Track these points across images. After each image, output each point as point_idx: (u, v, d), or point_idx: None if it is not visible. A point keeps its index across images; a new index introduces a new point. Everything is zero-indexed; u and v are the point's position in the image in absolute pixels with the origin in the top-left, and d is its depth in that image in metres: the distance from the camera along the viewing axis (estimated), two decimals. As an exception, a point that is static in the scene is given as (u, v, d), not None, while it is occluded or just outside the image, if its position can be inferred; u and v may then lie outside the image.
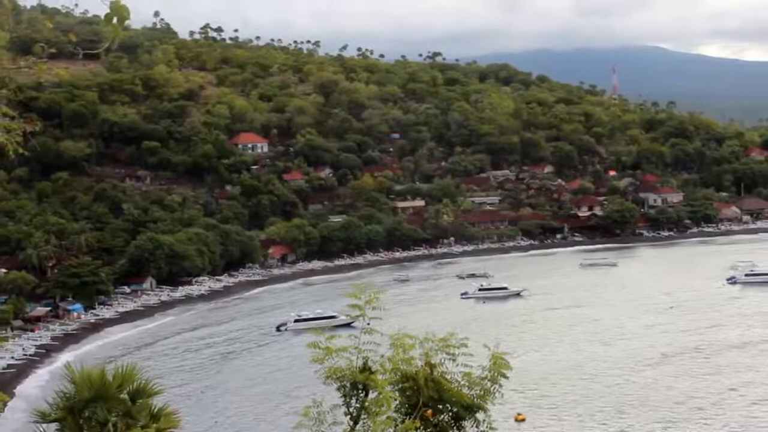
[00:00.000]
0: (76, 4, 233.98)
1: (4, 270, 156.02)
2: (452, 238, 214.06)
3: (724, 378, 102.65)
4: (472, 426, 12.33)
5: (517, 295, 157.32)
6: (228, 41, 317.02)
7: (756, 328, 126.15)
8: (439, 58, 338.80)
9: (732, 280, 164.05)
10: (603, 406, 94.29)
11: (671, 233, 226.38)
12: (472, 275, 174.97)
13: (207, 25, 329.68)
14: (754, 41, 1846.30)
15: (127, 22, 6.49)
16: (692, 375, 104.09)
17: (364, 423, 11.99)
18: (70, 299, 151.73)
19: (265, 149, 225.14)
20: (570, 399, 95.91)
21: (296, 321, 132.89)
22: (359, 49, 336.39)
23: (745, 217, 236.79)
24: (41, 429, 15.74)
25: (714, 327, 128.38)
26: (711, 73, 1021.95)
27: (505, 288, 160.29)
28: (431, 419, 12.12)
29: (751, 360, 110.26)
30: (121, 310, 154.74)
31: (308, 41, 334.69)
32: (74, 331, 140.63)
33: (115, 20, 5.78)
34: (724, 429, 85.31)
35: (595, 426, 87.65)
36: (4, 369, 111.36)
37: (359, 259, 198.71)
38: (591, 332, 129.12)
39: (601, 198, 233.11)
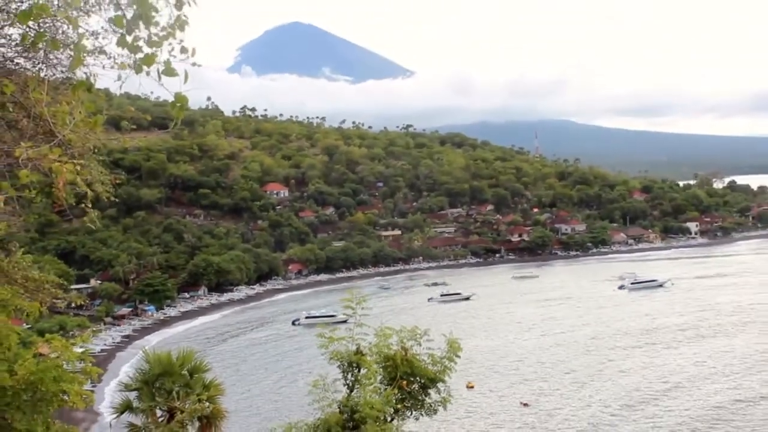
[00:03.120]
0: (152, 92, 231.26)
1: (99, 281, 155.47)
2: (421, 258, 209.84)
3: (607, 355, 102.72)
4: (435, 393, 13.51)
5: (468, 298, 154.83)
6: (259, 117, 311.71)
7: (636, 321, 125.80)
8: (411, 129, 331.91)
9: (621, 287, 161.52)
10: (527, 374, 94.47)
11: (578, 253, 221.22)
12: (435, 284, 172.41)
13: (244, 107, 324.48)
14: (637, 116, 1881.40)
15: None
16: (586, 353, 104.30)
17: (357, 391, 13.02)
18: (146, 302, 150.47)
19: (286, 194, 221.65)
20: (505, 370, 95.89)
21: (307, 318, 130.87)
22: (353, 123, 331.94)
23: (630, 241, 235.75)
24: (125, 395, 17.52)
25: (605, 320, 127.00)
26: (605, 139, 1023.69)
27: (459, 293, 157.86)
28: (406, 388, 13.24)
29: (627, 343, 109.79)
30: (182, 310, 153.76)
31: (317, 117, 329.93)
32: (149, 325, 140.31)
33: (178, 105, 5.56)
34: (599, 389, 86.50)
35: (523, 387, 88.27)
36: (99, 352, 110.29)
37: (354, 273, 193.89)
38: (519, 324, 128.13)
39: (528, 227, 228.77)
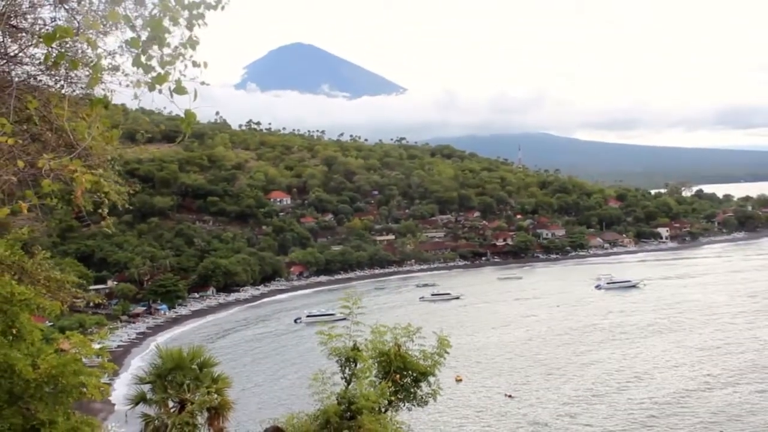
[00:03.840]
0: (164, 107, 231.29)
1: (115, 282, 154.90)
2: (413, 261, 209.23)
3: (582, 348, 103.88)
4: (426, 386, 13.59)
5: (457, 298, 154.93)
6: (263, 131, 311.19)
7: (610, 318, 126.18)
8: (404, 141, 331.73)
9: (598, 287, 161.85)
10: (512, 367, 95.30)
11: (558, 256, 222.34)
12: (426, 285, 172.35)
13: (250, 121, 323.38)
14: (610, 129, 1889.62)
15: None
16: (564, 347, 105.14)
17: (354, 384, 13.04)
18: (159, 302, 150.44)
19: (288, 202, 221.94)
20: (491, 364, 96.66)
21: (308, 316, 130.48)
22: (351, 136, 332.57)
23: (606, 245, 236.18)
24: (140, 388, 17.50)
25: (582, 317, 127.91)
26: (581, 151, 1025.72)
27: (449, 293, 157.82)
28: (399, 382, 13.28)
29: (601, 337, 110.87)
30: (192, 309, 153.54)
31: (317, 130, 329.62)
32: (161, 323, 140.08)
33: (187, 120, 5.42)
34: (575, 379, 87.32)
35: (507, 379, 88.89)
36: (115, 348, 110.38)
37: (351, 275, 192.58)
38: (503, 321, 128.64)
39: (512, 233, 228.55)
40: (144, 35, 5.32)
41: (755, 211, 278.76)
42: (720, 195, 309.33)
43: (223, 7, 5.43)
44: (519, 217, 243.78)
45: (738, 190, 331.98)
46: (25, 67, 7.46)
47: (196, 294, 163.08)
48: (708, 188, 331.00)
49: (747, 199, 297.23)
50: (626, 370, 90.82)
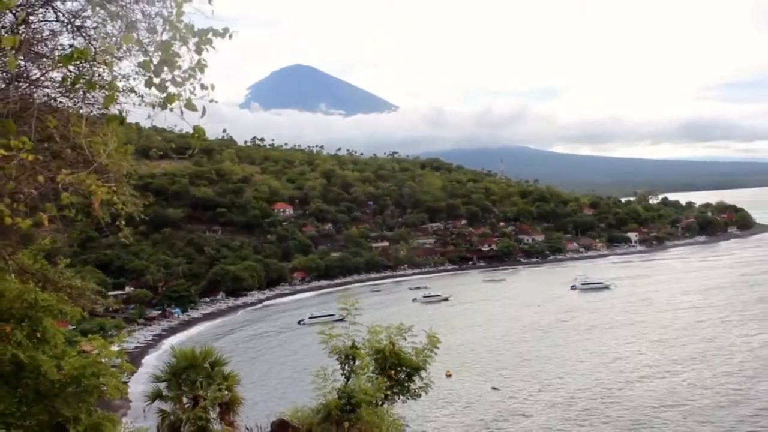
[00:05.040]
0: (176, 125, 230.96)
1: (132, 288, 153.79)
2: (406, 265, 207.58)
3: (560, 344, 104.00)
4: (419, 380, 13.63)
5: (446, 299, 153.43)
6: (267, 146, 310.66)
7: (584, 316, 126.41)
8: (396, 155, 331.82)
9: (574, 288, 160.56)
10: (497, 362, 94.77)
11: (538, 260, 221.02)
12: (418, 288, 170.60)
13: (254, 137, 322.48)
14: (584, 143, 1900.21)
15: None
16: (543, 343, 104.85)
17: (352, 380, 13.14)
18: (172, 306, 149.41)
19: (291, 212, 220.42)
20: (479, 360, 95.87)
21: (310, 317, 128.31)
22: (347, 150, 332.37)
23: (581, 249, 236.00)
24: (156, 385, 17.41)
25: (558, 315, 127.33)
26: (558, 163, 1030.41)
27: (438, 295, 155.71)
28: (394, 377, 13.33)
29: (577, 333, 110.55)
30: (204, 312, 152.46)
31: (316, 146, 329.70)
32: (175, 326, 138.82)
33: (196, 136, 5.47)
34: (552, 372, 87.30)
35: (492, 373, 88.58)
36: (133, 349, 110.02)
37: (349, 279, 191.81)
38: (489, 319, 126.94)
39: (496, 238, 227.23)
40: (156, 59, 5.30)
41: (714, 216, 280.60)
42: (683, 202, 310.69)
43: (230, 36, 5.38)
44: (502, 224, 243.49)
45: (699, 198, 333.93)
46: (45, 89, 7.51)
47: (207, 298, 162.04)
48: (672, 196, 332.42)
49: (707, 206, 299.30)
50: (597, 359, 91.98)
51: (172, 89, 5.31)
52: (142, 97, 5.82)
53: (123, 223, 8.51)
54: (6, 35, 5.26)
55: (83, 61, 5.63)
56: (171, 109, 5.30)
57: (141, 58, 5.38)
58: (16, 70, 6.52)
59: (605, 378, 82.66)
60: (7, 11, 5.38)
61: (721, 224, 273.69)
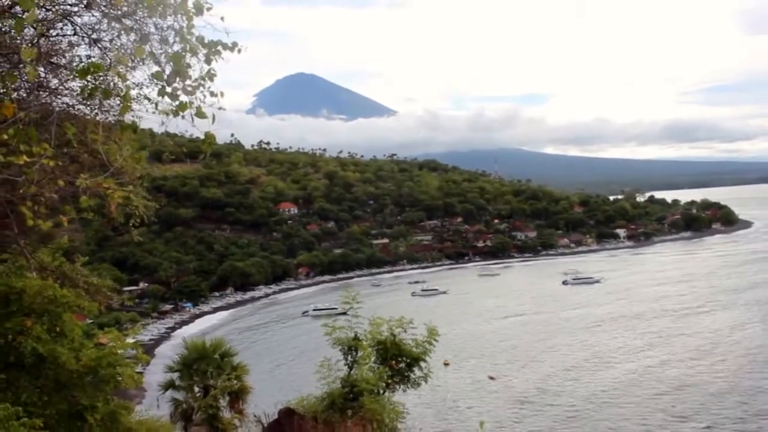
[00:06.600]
0: (186, 130, 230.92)
1: (146, 284, 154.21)
2: (405, 261, 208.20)
3: (552, 335, 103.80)
4: (418, 370, 13.58)
5: (444, 292, 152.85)
6: (272, 150, 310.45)
7: (575, 308, 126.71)
8: (395, 157, 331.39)
9: (565, 282, 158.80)
10: (493, 352, 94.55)
11: (530, 255, 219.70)
12: (417, 282, 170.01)
13: (260, 141, 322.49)
14: (573, 144, 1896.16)
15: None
16: (535, 334, 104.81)
17: (355, 370, 13.08)
18: (184, 300, 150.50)
19: (296, 211, 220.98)
20: (475, 349, 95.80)
21: (314, 310, 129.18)
22: (349, 153, 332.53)
23: (572, 245, 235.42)
24: (169, 376, 17.41)
25: (551, 309, 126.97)
26: (550, 163, 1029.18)
27: (436, 289, 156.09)
28: (395, 367, 13.30)
29: (568, 325, 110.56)
30: (214, 306, 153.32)
31: (319, 149, 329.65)
32: (187, 319, 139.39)
33: (207, 141, 5.55)
34: (545, 362, 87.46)
35: (488, 363, 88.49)
36: (147, 341, 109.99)
37: (351, 274, 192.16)
38: (484, 312, 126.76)
39: (490, 235, 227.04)
40: (168, 69, 5.35)
41: (699, 213, 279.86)
42: (669, 200, 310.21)
43: (239, 51, 5.42)
44: (496, 221, 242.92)
45: (684, 196, 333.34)
46: (64, 98, 7.56)
47: (216, 293, 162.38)
48: (658, 194, 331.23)
49: (692, 203, 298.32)
50: (587, 351, 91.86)
51: (183, 98, 5.36)
52: (156, 104, 5.86)
53: (136, 224, 8.54)
54: (26, 48, 5.24)
55: (99, 72, 5.68)
56: (183, 116, 5.35)
57: (154, 68, 5.43)
58: (37, 80, 6.53)
59: (596, 367, 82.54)
60: (28, 25, 5.40)
61: (706, 221, 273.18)
